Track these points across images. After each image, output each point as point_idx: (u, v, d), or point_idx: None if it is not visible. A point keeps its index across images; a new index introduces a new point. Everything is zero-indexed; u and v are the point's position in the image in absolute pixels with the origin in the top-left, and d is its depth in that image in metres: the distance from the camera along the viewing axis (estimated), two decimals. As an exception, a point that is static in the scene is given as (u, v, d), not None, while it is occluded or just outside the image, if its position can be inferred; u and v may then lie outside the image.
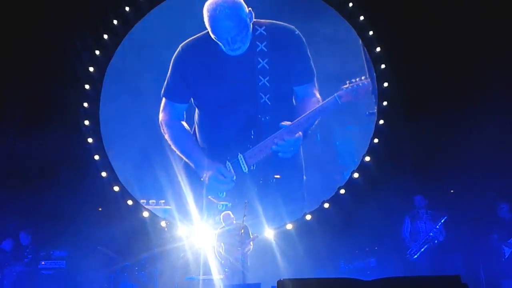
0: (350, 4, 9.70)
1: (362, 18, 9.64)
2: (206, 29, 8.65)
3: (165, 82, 9.18)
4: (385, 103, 9.38)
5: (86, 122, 9.40)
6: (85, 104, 9.51)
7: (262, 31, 8.95)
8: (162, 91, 9.18)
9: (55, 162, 8.97)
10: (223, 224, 8.24)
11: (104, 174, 9.20)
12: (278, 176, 8.99)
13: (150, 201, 9.34)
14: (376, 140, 9.26)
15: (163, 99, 9.20)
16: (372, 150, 9.23)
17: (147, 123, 9.40)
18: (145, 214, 9.08)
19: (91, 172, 9.19)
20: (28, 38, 9.10)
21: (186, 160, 9.09)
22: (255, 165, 8.88)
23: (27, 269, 8.06)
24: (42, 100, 9.29)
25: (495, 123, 8.36)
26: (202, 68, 9.07)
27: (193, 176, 9.06)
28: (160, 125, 9.18)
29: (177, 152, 9.13)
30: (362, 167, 9.17)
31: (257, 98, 8.96)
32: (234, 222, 8.19)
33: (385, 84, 9.44)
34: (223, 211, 8.48)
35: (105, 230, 8.92)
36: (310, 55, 9.06)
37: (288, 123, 8.64)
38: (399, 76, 9.29)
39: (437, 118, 8.76)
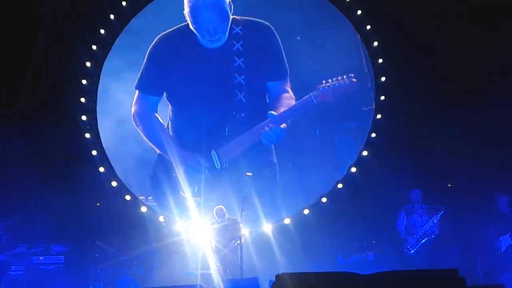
0: (348, -1, 9.69)
1: (359, 12, 9.62)
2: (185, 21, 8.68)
3: (139, 74, 9.16)
4: (382, 97, 9.39)
5: (83, 117, 9.38)
6: (82, 99, 9.48)
7: (239, 31, 8.99)
8: (136, 83, 9.14)
9: (53, 157, 8.96)
10: (216, 219, 8.23)
11: (101, 169, 9.19)
12: (250, 174, 8.91)
13: (149, 198, 9.33)
14: (373, 135, 9.27)
15: (136, 92, 9.16)
16: (369, 144, 9.24)
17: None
18: (143, 209, 9.08)
19: (89, 167, 9.18)
20: (25, 33, 9.05)
21: (161, 153, 9.03)
22: (227, 162, 8.81)
23: (23, 269, 8.05)
24: (39, 95, 9.25)
25: (493, 116, 8.37)
26: (179, 60, 9.07)
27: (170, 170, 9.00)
28: (133, 118, 9.13)
29: (151, 145, 9.08)
30: (359, 162, 9.19)
31: (233, 94, 8.96)
32: (227, 217, 8.20)
33: (383, 79, 9.44)
34: (199, 208, 8.48)
35: (103, 225, 8.96)
36: (283, 52, 9.09)
37: (275, 113, 8.59)
38: (397, 71, 9.29)
39: (434, 112, 8.77)
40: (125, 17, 9.82)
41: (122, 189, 9.20)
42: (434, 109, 8.79)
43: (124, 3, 9.74)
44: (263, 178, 9.01)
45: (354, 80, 8.40)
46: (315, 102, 8.43)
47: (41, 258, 8.29)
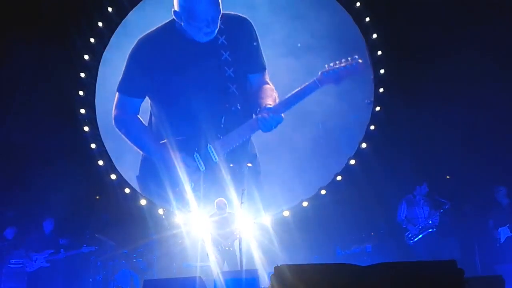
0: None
1: (358, 4, 9.59)
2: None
3: (121, 78, 9.14)
4: (381, 89, 9.38)
5: (82, 111, 9.36)
6: (81, 93, 9.46)
7: (221, 25, 9.03)
8: (118, 86, 9.12)
9: (52, 150, 8.93)
10: (216, 211, 8.23)
11: (101, 162, 9.19)
12: (250, 165, 8.96)
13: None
14: (372, 127, 9.27)
15: (117, 95, 9.13)
16: (368, 136, 9.25)
17: (143, 111, 9.36)
18: (143, 202, 9.09)
19: (88, 160, 9.18)
20: (22, 27, 9.01)
21: (147, 155, 9.05)
22: (224, 155, 8.83)
23: (47, 265, 8.05)
24: (38, 88, 9.22)
25: (492, 108, 8.38)
26: (164, 59, 9.07)
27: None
28: (114, 121, 9.11)
29: (136, 147, 9.10)
30: (358, 154, 9.19)
31: (226, 87, 9.00)
32: (227, 209, 8.22)
33: (382, 71, 9.43)
34: (199, 202, 8.51)
35: (103, 218, 8.97)
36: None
37: (270, 104, 8.68)
38: (396, 63, 9.28)
39: (434, 104, 8.77)
40: (123, 10, 9.78)
41: (122, 182, 9.20)
42: (433, 100, 8.78)
43: (122, -4, 9.70)
44: (256, 169, 9.09)
45: (360, 60, 8.40)
46: (319, 86, 8.45)
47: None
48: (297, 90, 8.66)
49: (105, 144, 9.39)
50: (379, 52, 9.48)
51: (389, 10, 9.27)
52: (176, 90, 9.05)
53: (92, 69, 9.63)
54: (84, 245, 8.15)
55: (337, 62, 8.39)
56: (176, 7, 8.86)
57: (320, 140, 9.40)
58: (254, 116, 8.85)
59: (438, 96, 8.83)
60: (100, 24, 9.63)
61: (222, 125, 8.91)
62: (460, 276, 3.62)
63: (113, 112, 9.13)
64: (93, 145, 9.26)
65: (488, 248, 7.85)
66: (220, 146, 8.78)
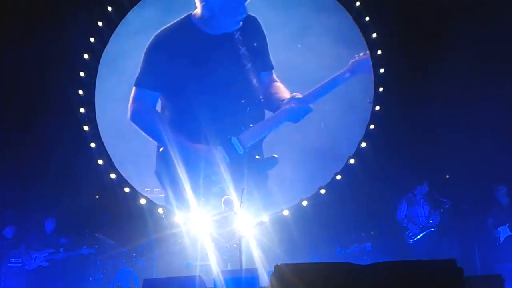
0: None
1: (358, 3, 9.59)
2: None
3: (138, 72, 9.13)
4: (381, 89, 9.38)
5: (82, 110, 9.35)
6: (81, 92, 9.45)
7: None
8: (135, 80, 9.11)
9: (51, 149, 8.94)
10: (223, 208, 8.21)
11: (100, 161, 9.18)
12: (258, 157, 9.00)
13: (155, 190, 9.32)
14: (372, 126, 9.27)
15: (134, 90, 9.13)
16: (368, 136, 9.25)
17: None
18: (142, 201, 9.09)
19: (88, 159, 9.17)
20: (21, 25, 9.01)
21: (167, 148, 8.99)
22: (249, 148, 8.89)
23: (46, 264, 8.06)
24: (37, 87, 9.21)
25: (492, 108, 8.37)
26: (183, 54, 9.07)
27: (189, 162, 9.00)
28: (131, 116, 9.09)
29: (155, 141, 9.09)
30: (358, 153, 9.19)
31: (247, 80, 9.04)
32: (234, 208, 8.19)
33: (381, 70, 9.43)
34: (223, 195, 8.47)
35: (103, 217, 8.97)
36: None
37: (299, 94, 8.81)
38: (396, 62, 9.28)
39: (433, 104, 8.77)
40: (123, 9, 9.77)
41: (121, 181, 9.20)
42: (432, 99, 8.78)
43: (122, -5, 9.69)
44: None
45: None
46: (350, 76, 8.78)
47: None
48: (327, 80, 8.83)
49: (104, 143, 9.38)
50: (379, 52, 9.47)
51: (388, 9, 9.26)
52: (196, 84, 9.06)
53: (92, 68, 9.62)
54: (84, 247, 8.15)
55: (362, 53, 8.74)
56: None
57: (320, 139, 9.40)
58: (281, 107, 8.91)
59: (438, 95, 8.83)
60: (99, 23, 9.62)
61: (246, 117, 8.98)
62: (460, 275, 3.62)
63: (130, 107, 9.10)
64: (92, 144, 9.24)
65: (488, 247, 7.85)
66: (245, 138, 8.84)
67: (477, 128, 8.45)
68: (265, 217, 8.73)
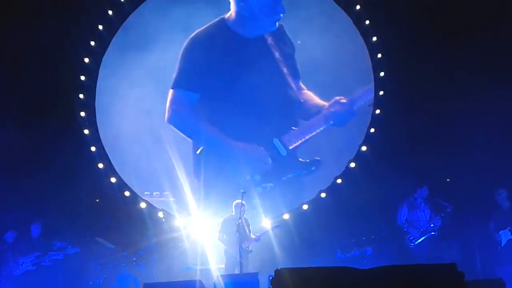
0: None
1: (358, 7, 9.60)
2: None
3: (176, 74, 9.16)
4: (381, 92, 9.38)
5: (82, 114, 9.36)
6: (81, 96, 9.46)
7: None
8: (173, 83, 9.13)
9: (52, 153, 8.93)
10: (233, 212, 8.15)
11: (101, 165, 9.18)
12: (301, 160, 9.12)
13: (154, 193, 9.31)
14: (372, 130, 9.26)
15: (172, 92, 9.16)
16: (368, 139, 9.24)
17: (143, 114, 9.36)
18: (143, 205, 9.07)
19: (88, 163, 9.16)
20: (22, 29, 9.02)
21: (212, 147, 9.03)
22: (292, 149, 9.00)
23: (33, 268, 8.03)
24: (38, 91, 9.22)
25: (492, 110, 8.37)
26: (221, 56, 9.19)
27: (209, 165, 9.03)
28: (169, 117, 9.12)
29: (197, 141, 9.09)
30: (358, 157, 9.18)
31: (287, 83, 9.17)
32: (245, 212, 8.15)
33: (382, 74, 9.43)
34: (266, 195, 8.67)
35: (103, 221, 8.95)
36: None
37: (343, 98, 8.97)
38: (396, 66, 9.28)
39: (433, 107, 8.76)
40: (123, 13, 9.79)
41: (121, 185, 9.19)
42: (433, 103, 8.78)
43: (122, -1, 9.71)
44: None
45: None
46: None
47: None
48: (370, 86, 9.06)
49: (105, 147, 9.37)
50: (379, 55, 9.48)
51: (389, 13, 9.27)
52: (236, 85, 9.13)
53: (92, 72, 9.64)
54: (69, 247, 8.12)
55: None
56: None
57: (321, 143, 9.39)
58: (323, 111, 9.02)
59: (438, 99, 8.82)
60: (100, 27, 9.63)
61: (287, 120, 9.07)
62: (461, 279, 3.61)
63: (169, 109, 9.14)
64: (93, 148, 9.24)
65: (489, 251, 7.83)
66: (287, 140, 8.93)
67: (477, 131, 8.44)
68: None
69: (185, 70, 9.17)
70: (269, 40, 9.25)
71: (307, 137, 8.99)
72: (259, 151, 8.92)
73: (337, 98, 9.07)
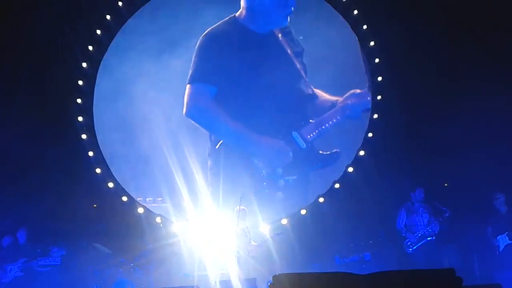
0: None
1: (356, 12, 9.62)
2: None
3: (193, 70, 9.17)
4: (379, 97, 9.39)
5: (80, 118, 9.34)
6: (79, 100, 9.44)
7: None
8: (189, 78, 9.13)
9: (50, 158, 8.90)
10: (237, 219, 8.05)
11: (98, 170, 9.15)
12: (321, 152, 9.20)
13: (147, 199, 9.28)
14: (370, 134, 9.27)
15: (190, 87, 9.15)
16: (366, 144, 9.24)
17: (142, 119, 9.35)
18: (140, 210, 9.05)
19: (86, 168, 9.14)
20: (20, 33, 9.02)
21: (233, 140, 9.06)
22: (311, 142, 9.09)
23: (21, 274, 7.99)
24: (36, 95, 9.20)
25: (490, 114, 8.38)
26: (235, 52, 9.24)
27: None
28: (188, 112, 9.10)
29: (218, 135, 9.10)
30: (356, 161, 9.18)
31: (301, 77, 9.27)
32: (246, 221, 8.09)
33: (379, 78, 9.44)
34: (288, 188, 8.77)
35: (100, 226, 8.92)
36: None
37: (357, 90, 9.14)
38: (394, 70, 9.29)
39: (431, 111, 8.78)
40: (121, 17, 9.79)
41: (119, 190, 9.16)
42: (430, 108, 8.79)
43: (120, 3, 9.70)
44: None
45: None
46: None
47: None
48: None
49: (102, 152, 9.34)
50: (377, 60, 9.49)
51: (386, 17, 9.29)
52: (254, 79, 9.21)
53: (90, 76, 9.61)
54: (55, 249, 8.10)
55: None
56: None
57: (319, 148, 9.39)
58: (338, 104, 9.14)
59: (436, 103, 8.84)
60: (98, 31, 9.63)
61: (305, 113, 9.15)
62: (459, 284, 3.60)
63: (187, 103, 9.10)
64: (90, 153, 9.22)
65: (487, 255, 7.82)
66: (306, 132, 9.02)
67: (475, 135, 8.45)
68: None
69: (202, 65, 9.21)
70: (280, 36, 9.38)
71: (323, 127, 9.07)
72: (280, 144, 9.00)
73: (352, 91, 9.23)
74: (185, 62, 9.33)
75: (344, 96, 9.23)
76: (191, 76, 9.18)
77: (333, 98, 9.28)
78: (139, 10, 9.85)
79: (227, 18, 9.40)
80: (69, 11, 9.29)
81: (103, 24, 9.68)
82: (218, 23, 9.37)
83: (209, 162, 9.18)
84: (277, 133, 9.13)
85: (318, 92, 9.38)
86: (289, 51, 9.32)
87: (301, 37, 9.51)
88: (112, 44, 9.77)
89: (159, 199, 9.19)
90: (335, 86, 9.31)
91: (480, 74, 8.65)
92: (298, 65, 9.31)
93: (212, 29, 9.34)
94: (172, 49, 9.39)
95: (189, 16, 9.40)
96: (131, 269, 8.48)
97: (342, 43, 9.47)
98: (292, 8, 9.27)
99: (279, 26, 9.39)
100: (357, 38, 9.65)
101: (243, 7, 9.45)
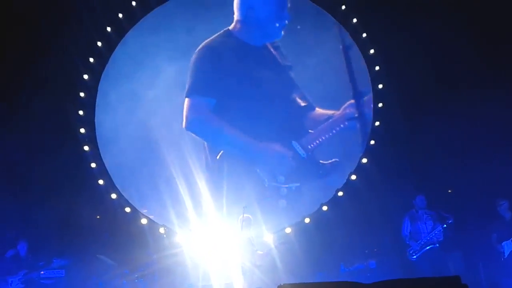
0: (343, 7, 9.71)
1: (355, 20, 9.63)
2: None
3: (190, 84, 9.22)
4: (380, 104, 9.39)
5: (82, 130, 9.35)
6: (81, 112, 9.46)
7: None
8: (187, 92, 9.19)
9: (52, 170, 8.90)
10: (241, 228, 8.01)
11: (101, 182, 9.15)
12: (322, 162, 9.24)
13: (144, 211, 9.23)
14: (372, 142, 9.26)
15: (188, 101, 9.21)
16: (369, 151, 9.23)
17: (143, 129, 9.36)
18: (144, 221, 9.03)
19: (88, 180, 9.14)
20: (21, 46, 9.05)
21: (237, 149, 9.09)
22: (312, 151, 9.13)
23: (22, 286, 7.98)
24: (37, 108, 9.21)
25: (493, 119, 8.37)
26: (233, 62, 9.33)
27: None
28: (187, 125, 9.16)
29: (219, 145, 9.14)
30: (359, 169, 9.16)
31: (296, 88, 9.32)
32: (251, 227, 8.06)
33: (380, 86, 9.45)
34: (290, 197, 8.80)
35: (104, 237, 8.91)
36: None
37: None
38: (394, 78, 9.30)
39: (433, 118, 8.76)
40: (121, 29, 9.83)
41: (122, 201, 9.15)
42: (433, 114, 8.78)
43: (120, 15, 9.74)
44: None
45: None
46: None
47: (42, 272, 8.22)
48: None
49: (105, 163, 9.35)
50: (377, 68, 9.51)
51: (386, 25, 9.31)
52: (251, 91, 9.27)
53: (92, 88, 9.64)
54: (54, 260, 8.10)
55: None
56: (250, 7, 9.29)
57: (321, 156, 9.38)
58: (335, 114, 9.23)
59: (437, 110, 8.83)
60: (99, 43, 9.66)
61: (303, 124, 9.23)
62: (466, 292, 3.58)
63: (187, 117, 9.18)
64: (93, 165, 9.22)
65: (492, 262, 7.78)
66: (306, 142, 9.10)
67: (478, 141, 8.43)
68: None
69: (199, 77, 9.28)
70: (272, 50, 9.44)
71: (324, 138, 9.11)
72: (282, 148, 9.06)
73: (351, 101, 9.31)
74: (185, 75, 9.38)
75: (342, 108, 9.29)
76: (188, 89, 9.22)
77: (329, 111, 9.31)
78: (139, 21, 9.89)
79: (221, 31, 9.44)
80: (70, 23, 9.33)
81: (104, 36, 9.71)
82: (212, 37, 9.42)
83: (207, 175, 9.14)
84: (278, 141, 9.18)
85: (313, 105, 9.42)
86: (282, 64, 9.39)
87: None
88: (112, 56, 9.80)
89: (145, 210, 9.15)
90: (331, 98, 9.38)
91: (481, 80, 8.65)
92: (291, 77, 9.36)
93: (207, 42, 9.38)
94: (173, 61, 9.41)
95: (190, 28, 9.46)
96: (135, 280, 8.48)
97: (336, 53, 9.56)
98: (287, 21, 9.33)
99: (274, 39, 9.43)
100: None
101: (236, 20, 9.48)
